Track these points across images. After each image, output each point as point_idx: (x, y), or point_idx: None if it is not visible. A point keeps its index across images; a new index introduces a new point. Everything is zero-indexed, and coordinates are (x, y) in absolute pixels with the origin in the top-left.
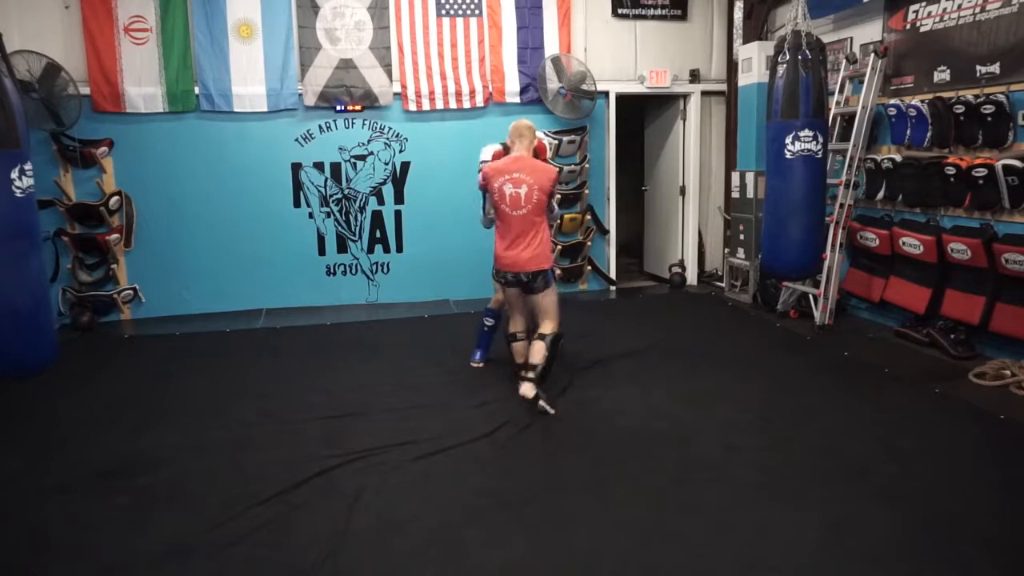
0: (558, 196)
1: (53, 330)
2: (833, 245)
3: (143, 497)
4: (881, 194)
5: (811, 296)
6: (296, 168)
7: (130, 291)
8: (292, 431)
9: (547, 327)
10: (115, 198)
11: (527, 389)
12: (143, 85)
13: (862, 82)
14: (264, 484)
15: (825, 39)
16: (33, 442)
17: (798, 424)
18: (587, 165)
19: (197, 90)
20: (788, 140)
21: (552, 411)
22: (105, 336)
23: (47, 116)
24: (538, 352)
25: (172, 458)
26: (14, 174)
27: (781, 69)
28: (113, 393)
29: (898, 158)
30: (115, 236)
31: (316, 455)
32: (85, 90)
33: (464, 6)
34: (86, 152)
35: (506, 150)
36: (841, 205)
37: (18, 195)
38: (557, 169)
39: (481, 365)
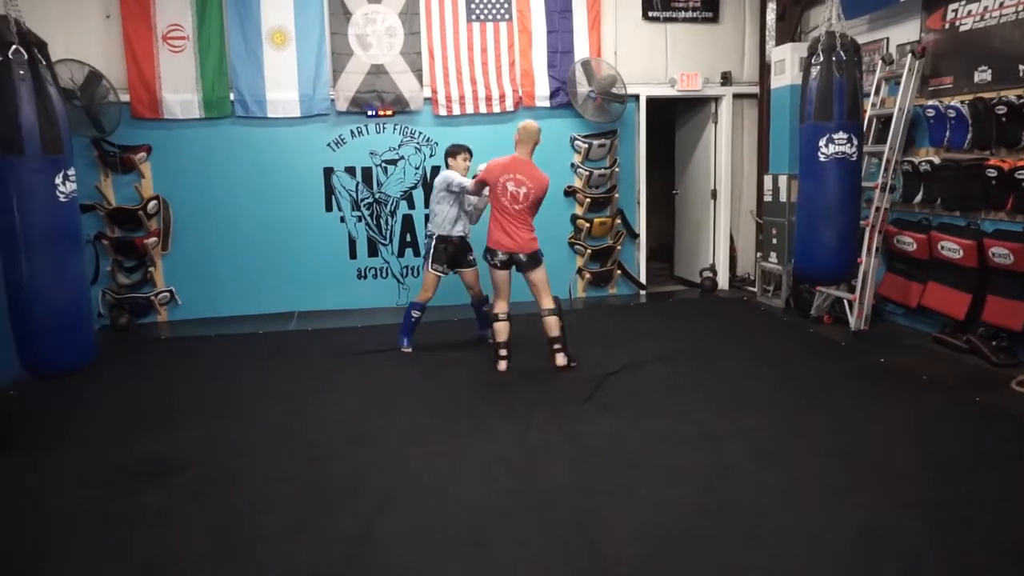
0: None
1: (91, 330)
2: (869, 249)
3: (175, 495)
4: (919, 197)
5: (846, 301)
6: (328, 173)
7: (166, 293)
8: (321, 432)
9: (547, 301)
10: (153, 202)
11: (560, 359)
12: (180, 92)
13: (898, 83)
14: (293, 484)
15: (861, 40)
16: (73, 439)
17: (831, 432)
18: (617, 169)
19: (232, 96)
20: (821, 143)
21: (574, 364)
22: (142, 337)
23: (89, 123)
24: (555, 326)
25: (204, 457)
26: (58, 179)
27: (814, 71)
28: (149, 393)
29: (937, 160)
30: (152, 239)
31: (345, 456)
32: (124, 97)
33: (494, 11)
34: (125, 158)
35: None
36: (877, 209)
37: (62, 199)
38: (548, 179)
39: (409, 350)
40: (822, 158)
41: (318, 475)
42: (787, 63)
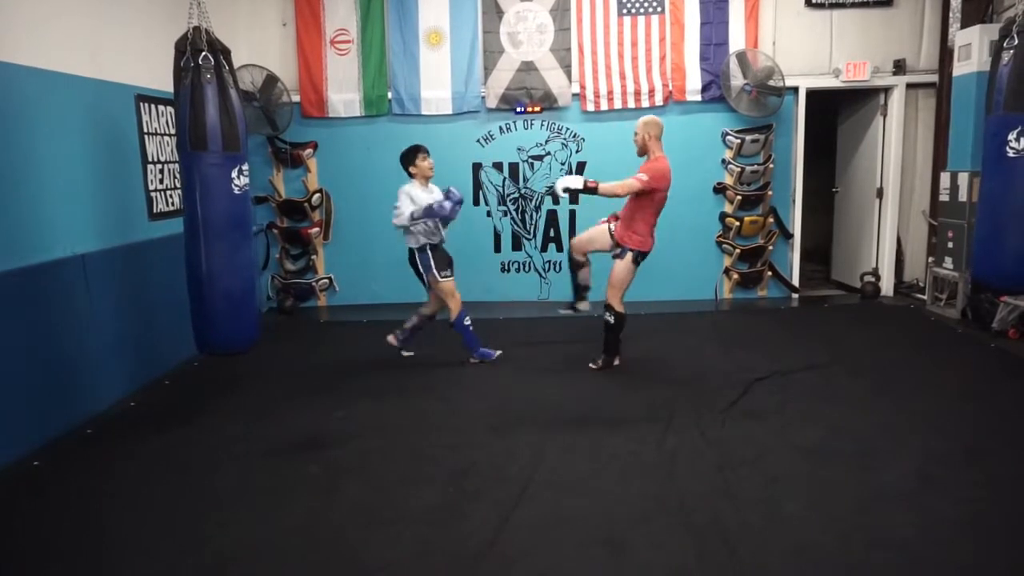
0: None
1: (257, 313)
2: None
3: (332, 468)
4: None
5: None
6: (476, 168)
7: (326, 280)
8: (464, 419)
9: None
10: (316, 195)
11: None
12: (343, 92)
13: None
14: (437, 467)
15: None
16: (246, 412)
17: (1015, 460)
18: (771, 165)
19: (389, 95)
20: (1012, 136)
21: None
22: (304, 320)
23: (265, 122)
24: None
25: (357, 435)
26: (234, 173)
27: (1007, 56)
28: (310, 372)
29: None
30: (316, 230)
31: (486, 444)
32: (296, 98)
33: (646, 4)
34: (295, 153)
35: None
36: None
37: (236, 192)
38: None
39: (500, 352)
40: (1011, 154)
41: (461, 460)
42: (974, 47)
